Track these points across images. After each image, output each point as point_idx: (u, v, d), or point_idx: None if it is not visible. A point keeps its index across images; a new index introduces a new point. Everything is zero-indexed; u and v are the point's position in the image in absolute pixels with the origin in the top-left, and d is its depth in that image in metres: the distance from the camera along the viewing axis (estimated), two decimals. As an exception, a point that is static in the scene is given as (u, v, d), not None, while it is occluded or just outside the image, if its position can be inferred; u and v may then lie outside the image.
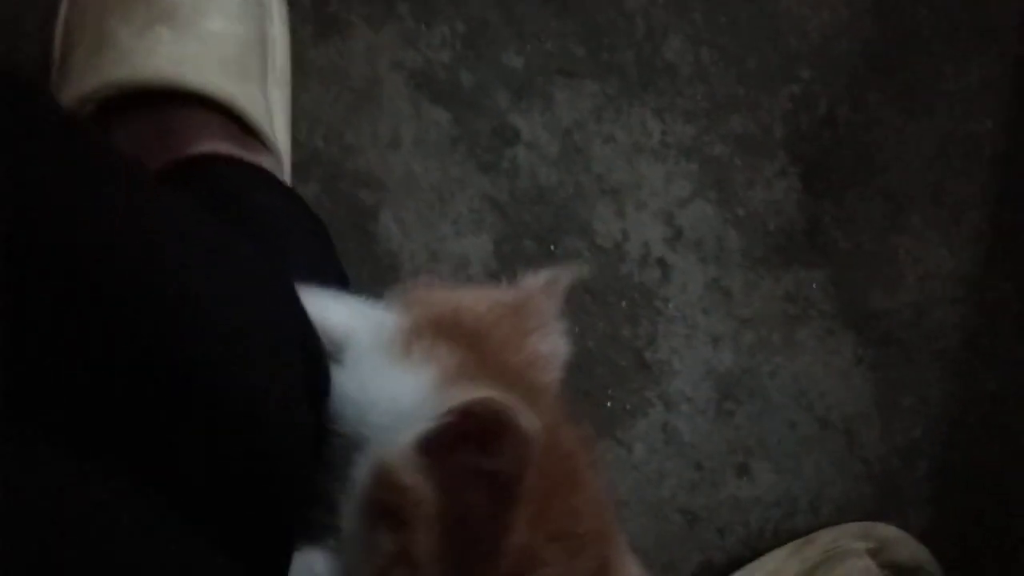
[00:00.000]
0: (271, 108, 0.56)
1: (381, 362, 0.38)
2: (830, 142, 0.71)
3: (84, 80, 0.50)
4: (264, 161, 0.53)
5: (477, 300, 0.42)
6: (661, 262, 0.68)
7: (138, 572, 0.27)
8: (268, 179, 0.51)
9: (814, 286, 0.70)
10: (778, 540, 0.68)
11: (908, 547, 0.66)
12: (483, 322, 0.40)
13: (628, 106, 0.69)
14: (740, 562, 0.67)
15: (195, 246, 0.31)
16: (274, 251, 0.45)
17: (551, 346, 0.42)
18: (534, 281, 0.44)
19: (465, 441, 0.33)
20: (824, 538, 0.66)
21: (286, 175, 0.59)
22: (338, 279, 0.52)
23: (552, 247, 0.67)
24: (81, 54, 0.52)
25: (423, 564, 0.33)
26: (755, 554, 0.67)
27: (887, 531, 0.66)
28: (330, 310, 0.40)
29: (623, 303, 0.68)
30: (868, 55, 0.71)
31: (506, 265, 0.67)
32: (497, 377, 0.37)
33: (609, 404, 0.67)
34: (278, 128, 0.58)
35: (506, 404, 0.32)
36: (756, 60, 0.70)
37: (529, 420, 0.31)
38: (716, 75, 0.70)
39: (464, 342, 0.38)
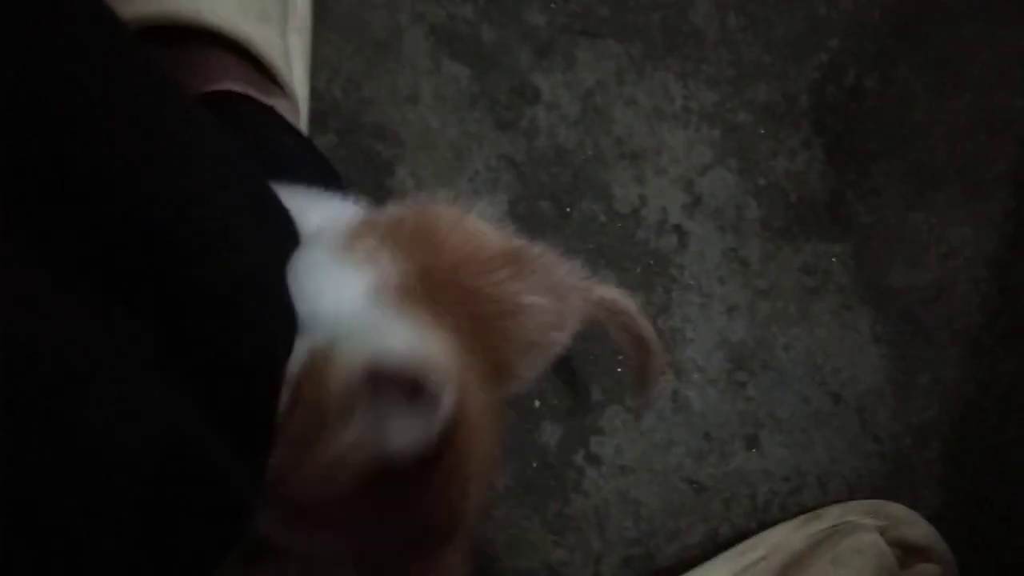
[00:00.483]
0: (290, 53, 0.56)
1: (323, 256, 0.37)
2: (857, 114, 0.69)
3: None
4: (279, 104, 0.52)
5: (487, 232, 0.41)
6: (678, 229, 0.68)
7: (100, 405, 0.27)
8: (280, 121, 0.51)
9: (833, 259, 0.69)
10: (785, 514, 0.67)
11: (917, 527, 0.65)
12: (469, 251, 0.39)
13: (651, 69, 0.68)
14: (745, 534, 0.66)
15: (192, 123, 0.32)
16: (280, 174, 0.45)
17: (538, 302, 0.41)
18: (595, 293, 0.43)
19: (395, 384, 0.33)
20: (832, 513, 0.65)
21: (303, 123, 0.59)
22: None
23: (568, 209, 0.67)
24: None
25: (291, 443, 0.33)
26: (761, 527, 0.66)
27: (897, 510, 0.66)
28: (306, 207, 0.40)
29: (638, 269, 0.67)
30: (899, 25, 0.70)
31: (521, 225, 0.66)
32: (438, 302, 0.36)
33: (619, 370, 0.66)
34: (296, 75, 0.57)
35: (440, 373, 0.31)
36: (784, 27, 0.69)
37: (451, 398, 0.31)
38: (743, 41, 0.69)
39: (428, 258, 0.37)
